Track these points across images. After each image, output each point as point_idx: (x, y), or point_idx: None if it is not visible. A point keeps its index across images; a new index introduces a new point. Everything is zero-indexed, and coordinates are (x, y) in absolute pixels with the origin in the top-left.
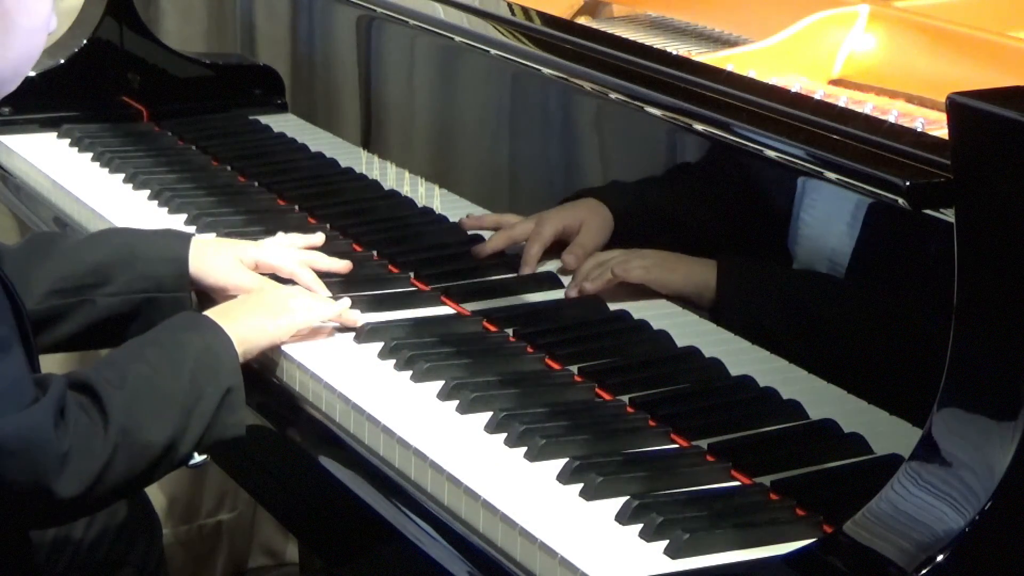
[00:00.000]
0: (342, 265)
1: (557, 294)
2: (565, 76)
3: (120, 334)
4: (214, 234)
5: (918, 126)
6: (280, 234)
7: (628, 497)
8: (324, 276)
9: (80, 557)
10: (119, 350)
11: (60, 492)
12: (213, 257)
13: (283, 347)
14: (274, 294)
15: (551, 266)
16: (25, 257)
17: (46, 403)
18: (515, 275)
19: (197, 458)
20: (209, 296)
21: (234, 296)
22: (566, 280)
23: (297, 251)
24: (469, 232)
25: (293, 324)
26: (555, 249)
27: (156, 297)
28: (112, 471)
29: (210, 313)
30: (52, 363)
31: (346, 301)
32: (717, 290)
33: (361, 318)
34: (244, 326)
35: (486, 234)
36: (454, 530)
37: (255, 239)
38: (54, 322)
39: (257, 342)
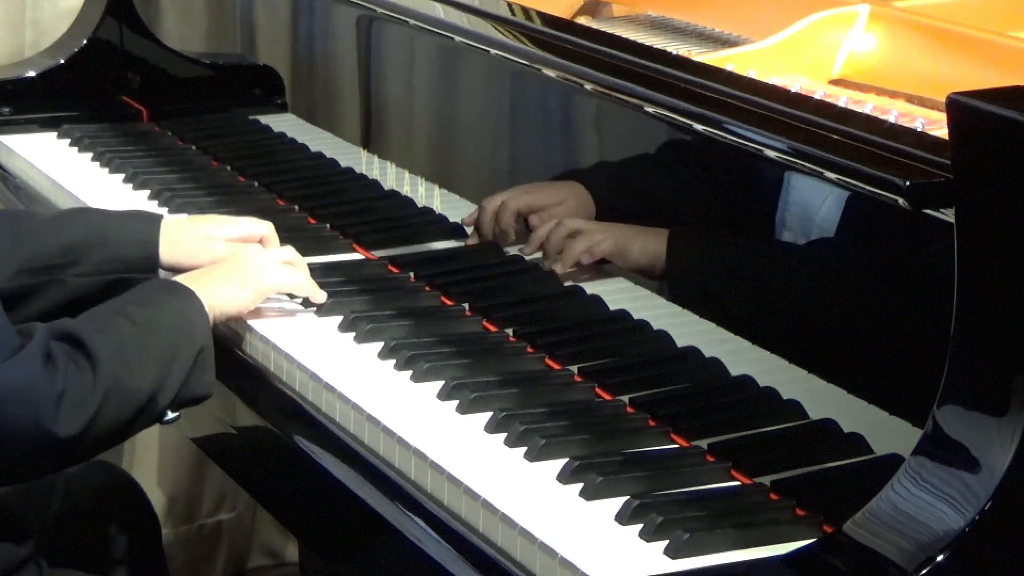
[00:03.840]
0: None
1: (557, 293)
2: (565, 76)
3: None
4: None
5: (918, 126)
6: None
7: (628, 497)
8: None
9: (79, 556)
10: (98, 308)
11: (59, 431)
12: (186, 243)
13: (282, 344)
14: (244, 261)
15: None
16: None
17: (32, 348)
18: (515, 275)
19: (171, 415)
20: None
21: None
22: (566, 281)
23: (265, 224)
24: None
25: (261, 290)
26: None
27: (125, 278)
28: (104, 414)
29: (183, 279)
30: None
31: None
32: (669, 263)
33: (324, 296)
34: (215, 293)
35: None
36: (454, 530)
37: None
38: (23, 300)
39: (226, 309)
